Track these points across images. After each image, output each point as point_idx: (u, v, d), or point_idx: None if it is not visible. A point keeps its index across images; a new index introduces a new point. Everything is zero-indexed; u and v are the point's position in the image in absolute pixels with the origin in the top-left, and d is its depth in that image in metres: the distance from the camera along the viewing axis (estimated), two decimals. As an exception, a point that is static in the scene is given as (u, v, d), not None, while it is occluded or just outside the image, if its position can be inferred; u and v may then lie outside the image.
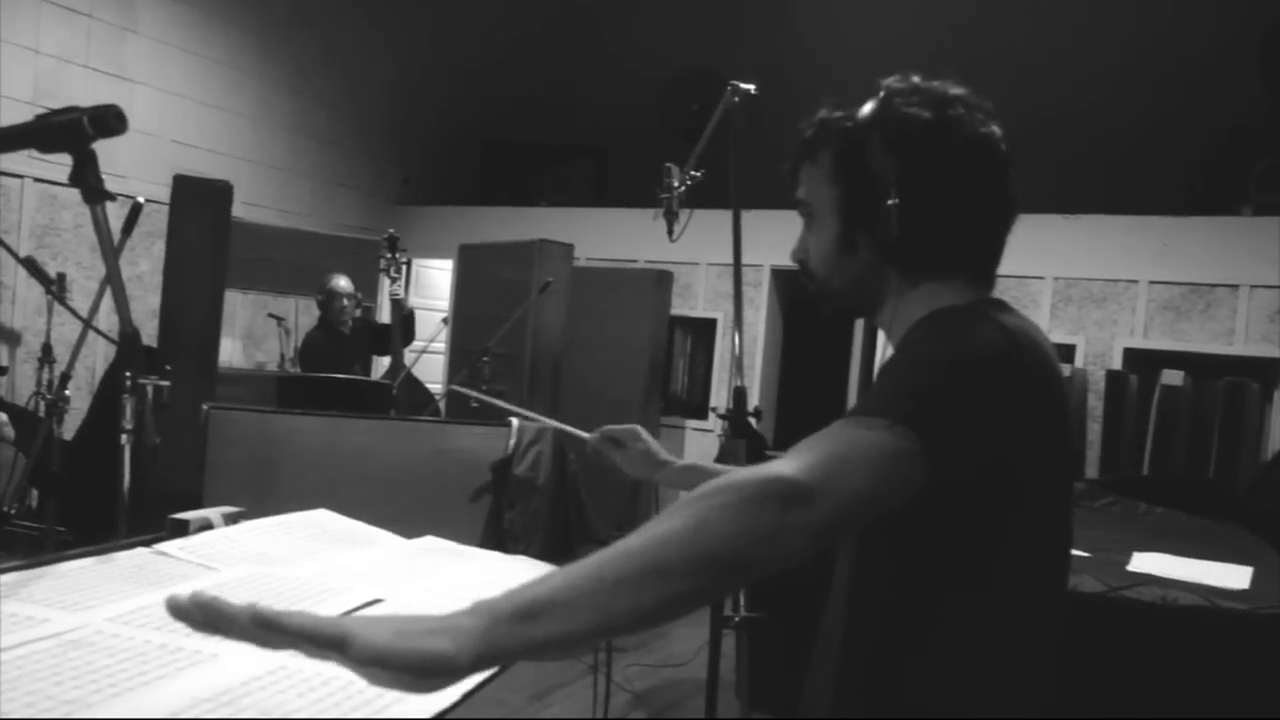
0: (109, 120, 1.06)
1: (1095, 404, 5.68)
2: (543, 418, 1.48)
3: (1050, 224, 6.01)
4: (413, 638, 0.65)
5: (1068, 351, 5.86)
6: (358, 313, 5.28)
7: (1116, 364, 5.75)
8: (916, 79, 1.05)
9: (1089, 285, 5.94)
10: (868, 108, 1.04)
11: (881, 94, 1.04)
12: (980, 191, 1.03)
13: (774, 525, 0.77)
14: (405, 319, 4.87)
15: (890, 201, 0.99)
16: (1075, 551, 2.30)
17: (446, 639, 0.66)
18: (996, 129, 1.04)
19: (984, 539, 0.96)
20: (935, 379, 0.91)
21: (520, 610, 0.69)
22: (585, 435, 1.42)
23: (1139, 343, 5.76)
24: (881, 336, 1.15)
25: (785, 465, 0.81)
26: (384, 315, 6.37)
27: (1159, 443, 5.10)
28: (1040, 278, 6.02)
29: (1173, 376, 5.13)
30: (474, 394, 1.84)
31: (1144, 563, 2.21)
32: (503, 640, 0.68)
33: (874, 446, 0.84)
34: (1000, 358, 0.94)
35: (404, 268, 4.80)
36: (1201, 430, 5.08)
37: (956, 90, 1.04)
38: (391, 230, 4.96)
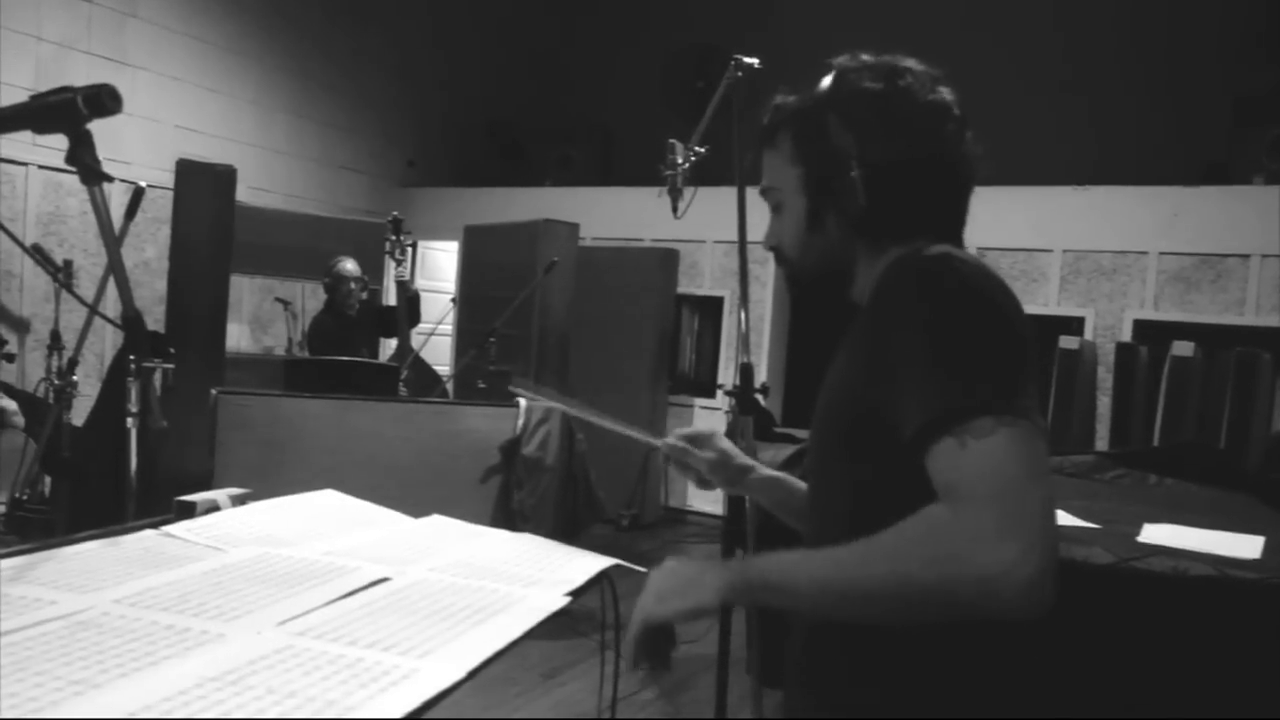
0: (103, 99, 1.05)
1: (1105, 376, 5.66)
2: (625, 428, 1.38)
3: (1059, 195, 5.97)
4: (671, 600, 0.95)
5: (1077, 324, 5.83)
6: (364, 296, 5.28)
7: (1126, 336, 5.72)
8: (866, 56, 1.08)
9: (1098, 257, 5.90)
10: (821, 86, 1.07)
11: (833, 72, 1.07)
12: (937, 156, 1.04)
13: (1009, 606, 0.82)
14: (410, 301, 4.87)
15: (852, 174, 1.02)
16: (1085, 523, 2.29)
17: (699, 593, 0.93)
18: (947, 94, 1.06)
19: None
20: (996, 345, 0.90)
21: (767, 583, 0.91)
22: (657, 441, 1.33)
23: (1149, 314, 5.73)
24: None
25: (998, 547, 0.81)
26: (390, 298, 6.36)
27: (1169, 415, 5.08)
28: (1049, 250, 5.98)
29: (1183, 348, 5.10)
30: (567, 407, 1.77)
31: (1155, 534, 2.20)
32: (739, 598, 0.92)
33: (1038, 455, 0.86)
34: (1006, 295, 0.95)
35: (409, 250, 4.79)
36: (1212, 401, 5.05)
37: (906, 62, 1.06)
38: (396, 213, 4.95)
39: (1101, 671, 1.91)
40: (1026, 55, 6.66)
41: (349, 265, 5.11)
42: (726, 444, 1.33)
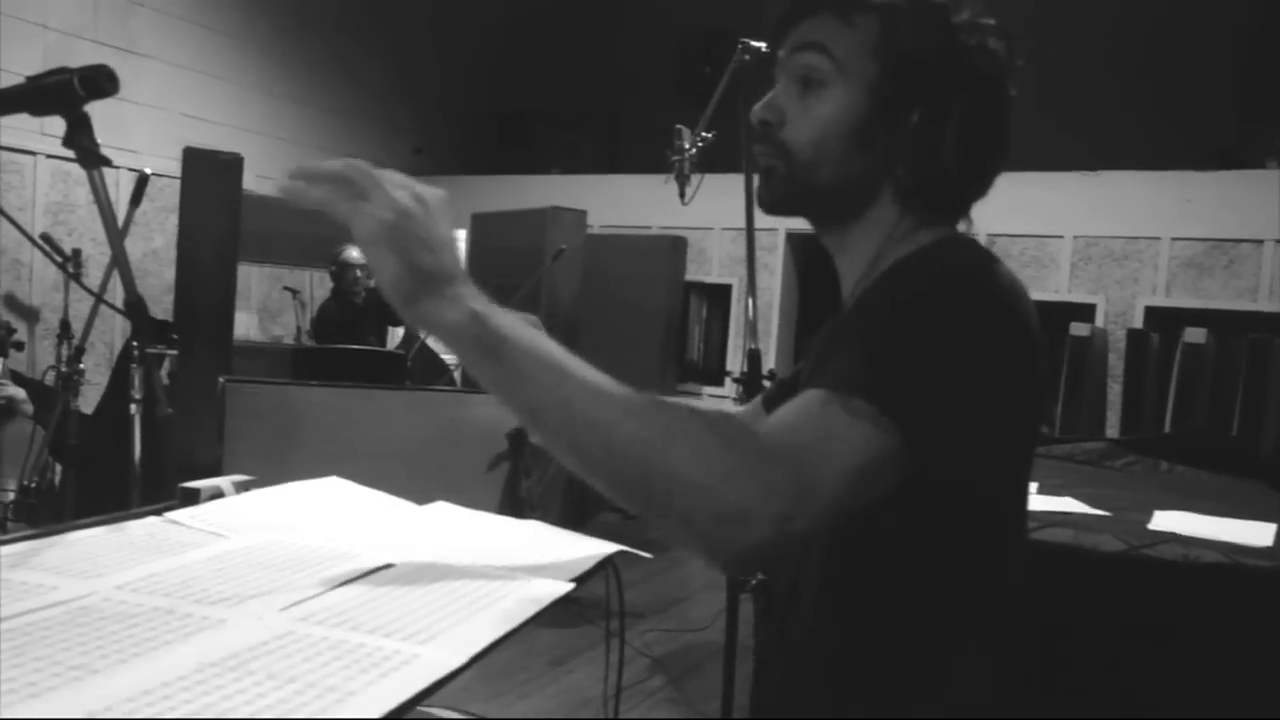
0: (100, 80, 1.04)
1: (1116, 363, 5.63)
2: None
3: (1069, 181, 5.92)
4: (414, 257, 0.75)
5: (1088, 311, 5.80)
6: (370, 283, 5.28)
7: (1138, 323, 5.69)
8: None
9: (1110, 243, 5.86)
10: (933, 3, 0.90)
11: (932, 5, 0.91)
12: (1002, 133, 0.93)
13: (753, 513, 0.71)
14: None
15: (946, 128, 0.88)
16: (1095, 510, 2.28)
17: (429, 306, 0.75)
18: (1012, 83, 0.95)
19: (958, 526, 0.89)
20: (926, 356, 0.80)
21: (505, 358, 0.74)
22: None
23: (1161, 301, 5.69)
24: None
25: (778, 471, 0.73)
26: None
27: (1181, 401, 5.05)
28: (1059, 236, 5.94)
29: (1195, 334, 5.07)
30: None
31: (1166, 521, 2.19)
32: (461, 337, 0.74)
33: (861, 445, 0.76)
34: (979, 320, 0.83)
35: None
36: (1224, 388, 5.02)
37: (986, 19, 0.93)
38: None
39: (1111, 659, 1.90)
40: (1036, 39, 6.61)
41: (354, 252, 5.11)
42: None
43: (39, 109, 1.05)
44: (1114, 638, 1.90)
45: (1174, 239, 5.67)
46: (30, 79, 1.07)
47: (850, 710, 0.92)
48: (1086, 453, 3.18)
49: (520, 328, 0.75)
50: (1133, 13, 6.63)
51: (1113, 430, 5.45)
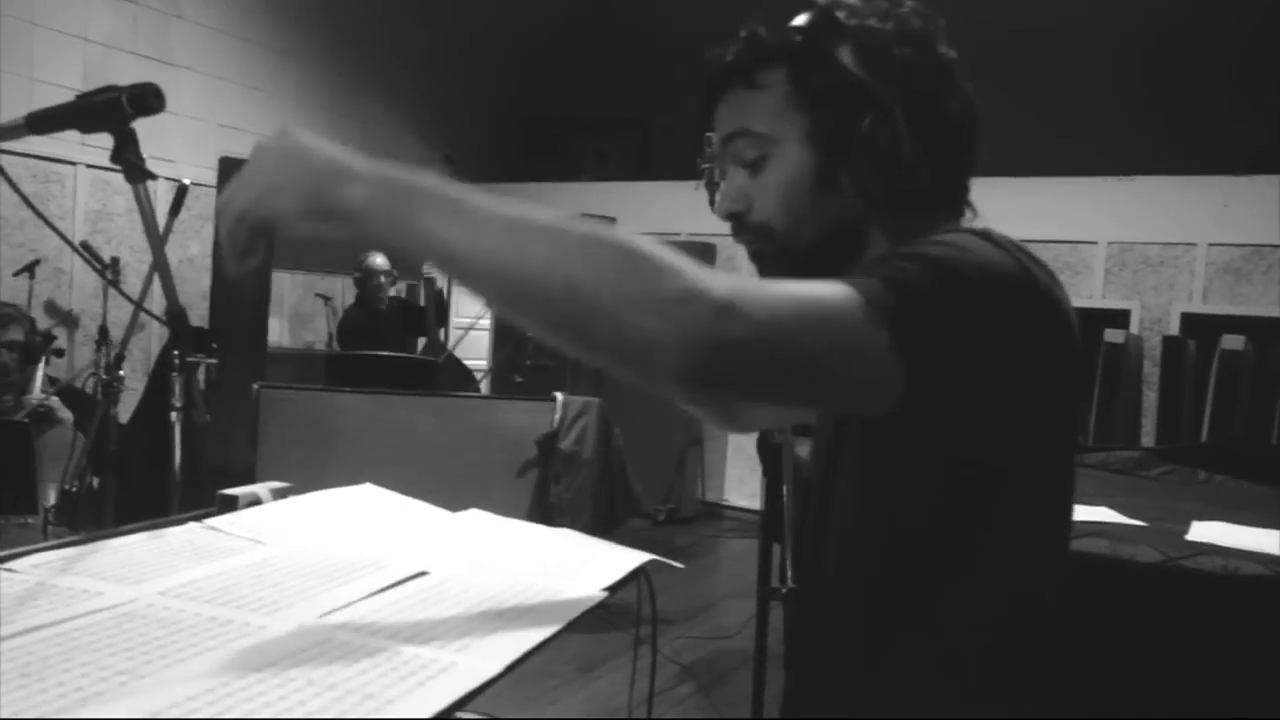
0: (147, 98, 1.07)
1: (1151, 371, 5.55)
2: None
3: (1103, 186, 5.86)
4: (286, 195, 0.75)
5: (1123, 318, 5.73)
6: (394, 289, 5.34)
7: (1174, 330, 5.60)
8: None
9: (1144, 249, 5.78)
10: (812, 20, 0.88)
11: (819, 8, 0.89)
12: (963, 109, 0.90)
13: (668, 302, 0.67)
14: (437, 297, 4.92)
15: (896, 124, 0.85)
16: (1132, 521, 2.25)
17: (330, 191, 0.75)
18: (950, 50, 0.91)
19: (980, 497, 0.86)
20: (928, 276, 0.77)
21: (415, 188, 0.73)
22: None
23: (1197, 307, 5.61)
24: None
25: (725, 276, 0.70)
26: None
27: (1219, 410, 4.97)
28: (1093, 242, 5.87)
29: (1233, 341, 4.99)
30: None
31: (1204, 532, 2.16)
32: (374, 210, 0.73)
33: (834, 309, 0.73)
34: (1008, 276, 0.81)
35: None
36: (1264, 396, 4.94)
37: (906, 4, 0.90)
38: None
39: (1150, 673, 1.87)
40: (1069, 44, 6.54)
41: (378, 259, 5.17)
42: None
43: (88, 126, 1.08)
44: (1151, 651, 1.87)
45: (1210, 244, 5.59)
46: (80, 97, 1.10)
47: (873, 705, 0.91)
48: (1121, 461, 3.13)
49: (428, 177, 0.74)
50: (1166, 14, 6.55)
51: (1148, 439, 5.38)
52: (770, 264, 0.95)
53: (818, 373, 0.74)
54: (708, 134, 0.99)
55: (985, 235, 0.85)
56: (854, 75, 0.86)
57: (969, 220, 0.97)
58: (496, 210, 0.73)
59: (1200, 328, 5.47)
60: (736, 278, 0.72)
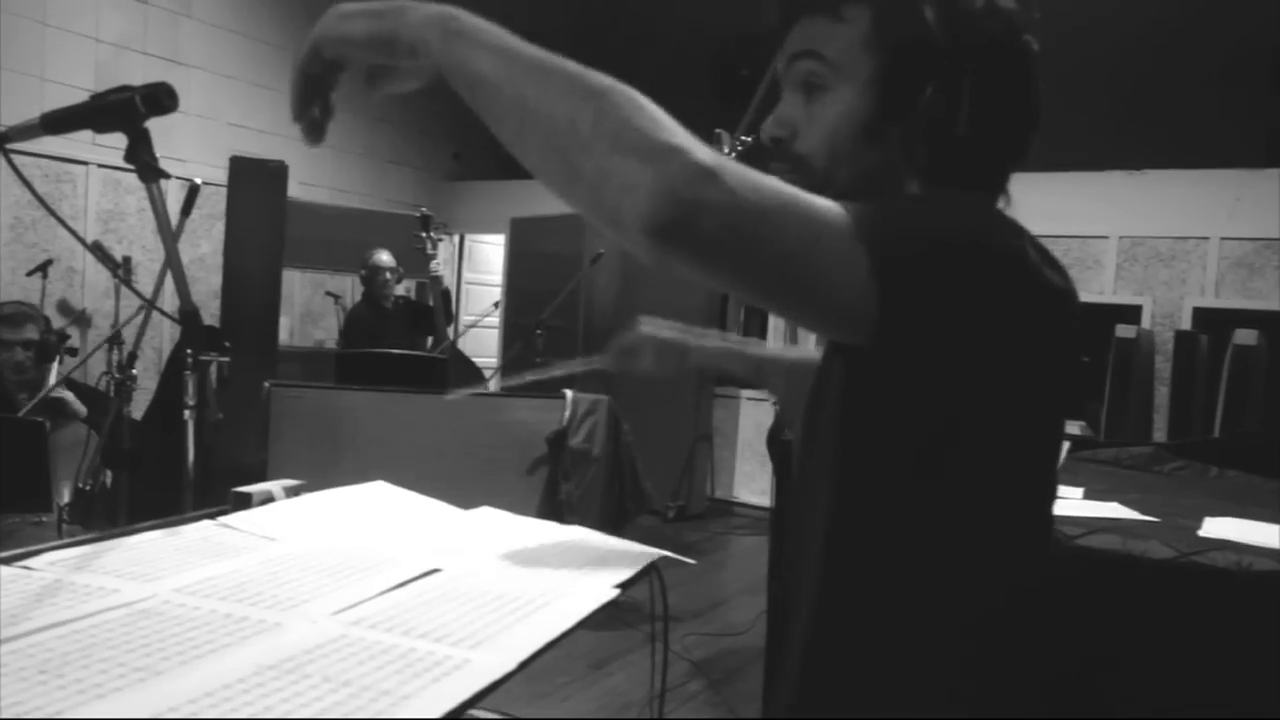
0: (160, 98, 1.07)
1: (1163, 366, 5.53)
2: (564, 368, 1.39)
3: (1114, 180, 5.83)
4: (356, 20, 0.83)
5: (1134, 312, 5.71)
6: (400, 287, 5.34)
7: (1186, 324, 5.58)
8: None
9: (1156, 243, 5.76)
10: None
11: None
12: (1029, 102, 0.90)
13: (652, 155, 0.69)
14: (444, 296, 4.92)
15: (960, 96, 0.84)
16: (1143, 517, 2.24)
17: (394, 18, 0.81)
18: (1033, 40, 0.91)
19: (959, 472, 0.84)
20: (921, 218, 0.78)
21: (464, 27, 0.80)
22: (601, 365, 1.31)
23: (1209, 302, 5.58)
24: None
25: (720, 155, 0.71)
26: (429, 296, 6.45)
27: (1231, 405, 4.95)
28: (1104, 237, 5.84)
29: (1246, 336, 4.96)
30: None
31: (1217, 528, 2.15)
32: (435, 42, 0.81)
33: (817, 213, 0.73)
34: (1002, 247, 0.80)
35: (438, 244, 4.79)
36: (1276, 391, 4.91)
37: None
38: (424, 208, 4.96)
39: (1162, 670, 1.87)
40: (1079, 36, 6.51)
41: (384, 256, 5.17)
42: (657, 332, 1.28)
43: (102, 125, 1.08)
44: (1163, 648, 1.87)
45: (1223, 238, 5.56)
46: (94, 97, 1.10)
47: (852, 697, 0.90)
48: (1133, 457, 3.12)
49: (493, 42, 0.80)
50: (1178, 7, 6.51)
51: (1160, 434, 5.36)
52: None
53: (788, 265, 0.74)
54: (716, 130, 0.99)
55: (989, 210, 0.86)
56: (935, 36, 0.85)
57: (1001, 205, 0.96)
58: (528, 51, 0.79)
59: (1212, 322, 5.44)
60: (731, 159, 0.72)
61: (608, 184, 0.71)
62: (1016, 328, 0.81)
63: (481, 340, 8.09)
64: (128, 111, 1.07)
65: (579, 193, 0.75)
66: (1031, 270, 0.82)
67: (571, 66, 0.77)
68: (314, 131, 0.90)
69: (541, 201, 7.26)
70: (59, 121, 1.12)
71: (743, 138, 2.63)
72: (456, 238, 8.26)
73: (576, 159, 0.73)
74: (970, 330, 0.79)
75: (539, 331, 5.05)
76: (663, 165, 0.69)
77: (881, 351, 0.78)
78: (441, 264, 4.92)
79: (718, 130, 2.61)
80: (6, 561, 0.92)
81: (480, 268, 8.55)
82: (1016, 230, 0.85)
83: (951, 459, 0.85)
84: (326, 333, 6.98)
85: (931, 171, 0.88)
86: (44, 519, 2.79)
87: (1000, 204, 0.95)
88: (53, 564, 0.93)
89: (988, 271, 0.79)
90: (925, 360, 0.80)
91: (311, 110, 0.90)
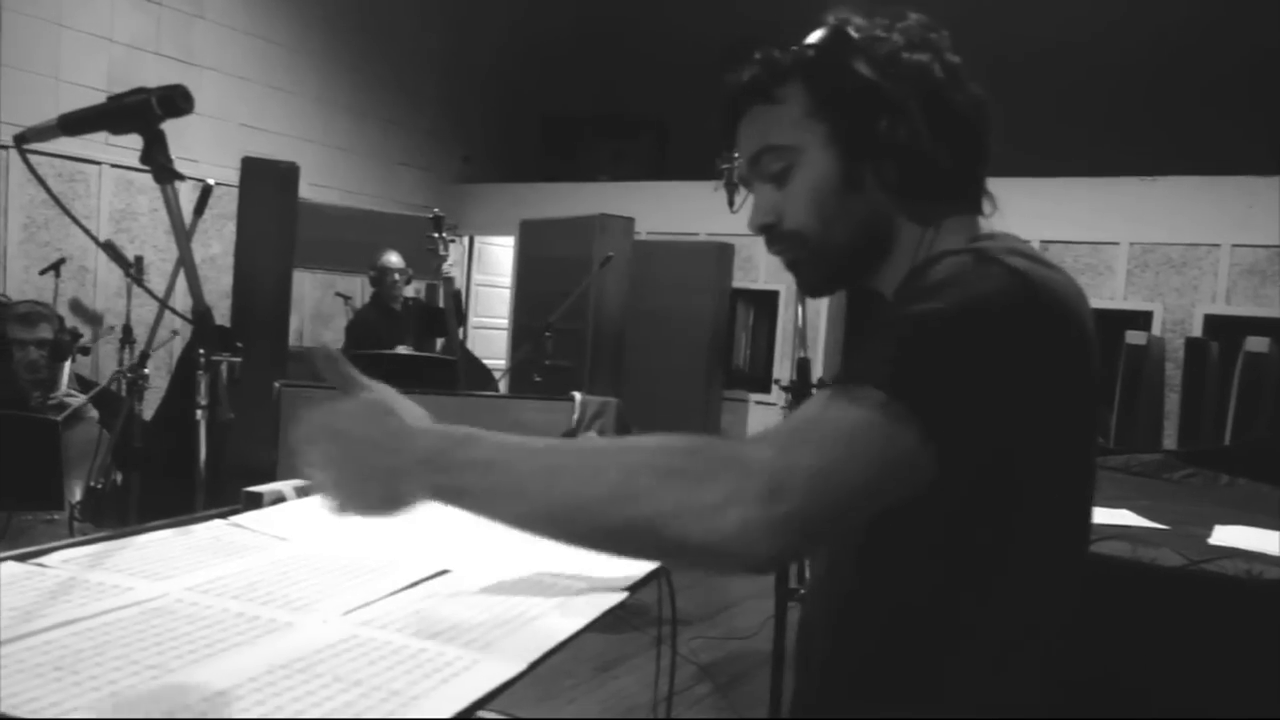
0: (176, 100, 1.08)
1: (1174, 373, 5.50)
2: None
3: (1125, 187, 5.81)
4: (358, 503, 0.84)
5: (1145, 319, 5.68)
6: (409, 288, 5.35)
7: (1197, 331, 5.55)
8: (855, 15, 0.94)
9: (1167, 250, 5.73)
10: (824, 34, 0.92)
11: (832, 20, 0.93)
12: (974, 108, 0.93)
13: (731, 519, 0.69)
14: (455, 297, 4.91)
15: (913, 119, 0.88)
16: (1153, 524, 2.23)
17: (391, 500, 0.82)
18: (954, 56, 0.94)
19: (999, 523, 0.86)
20: (938, 341, 0.78)
21: (469, 494, 0.79)
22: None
23: (1220, 309, 5.56)
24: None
25: (758, 450, 0.71)
26: (440, 297, 6.46)
27: (1242, 412, 4.92)
28: (1115, 243, 5.82)
29: (1257, 343, 4.94)
30: None
31: (1227, 535, 2.14)
32: (438, 482, 0.80)
33: (867, 428, 0.73)
34: (1013, 308, 0.80)
35: (450, 245, 4.80)
36: (1288, 399, 4.89)
37: (909, 16, 0.94)
38: (437, 209, 4.96)
39: (1172, 678, 1.86)
40: (1091, 43, 6.50)
41: (393, 257, 5.19)
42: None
43: (118, 127, 1.09)
44: (1173, 656, 1.86)
45: (1234, 245, 5.54)
46: (111, 99, 1.11)
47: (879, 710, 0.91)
48: (1143, 464, 3.11)
49: (469, 472, 0.79)
50: (1189, 14, 6.49)
51: (1170, 441, 5.33)
52: (806, 270, 0.97)
53: (870, 494, 0.75)
54: (733, 154, 1.01)
55: (980, 257, 0.85)
56: (868, 78, 0.89)
57: (988, 211, 0.98)
58: (530, 466, 0.77)
59: (1223, 329, 5.42)
60: (770, 440, 0.73)
61: (705, 556, 0.72)
62: (1049, 377, 0.82)
63: (491, 341, 8.12)
64: (144, 113, 1.08)
65: (680, 564, 0.77)
66: (1047, 309, 0.83)
67: (577, 460, 0.77)
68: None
69: (551, 204, 7.28)
70: (77, 123, 1.13)
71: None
72: (466, 240, 8.28)
73: (657, 549, 0.76)
74: (1012, 406, 0.79)
75: (547, 334, 5.06)
76: (737, 519, 0.69)
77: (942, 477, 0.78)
78: (453, 265, 4.93)
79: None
80: (21, 559, 0.93)
81: (490, 270, 8.57)
82: (1013, 262, 0.84)
83: (992, 501, 0.86)
84: (336, 333, 7.00)
85: (913, 194, 0.92)
86: (56, 517, 2.81)
87: (986, 209, 0.97)
88: (66, 562, 0.94)
89: (1010, 345, 0.80)
90: (979, 457, 0.80)
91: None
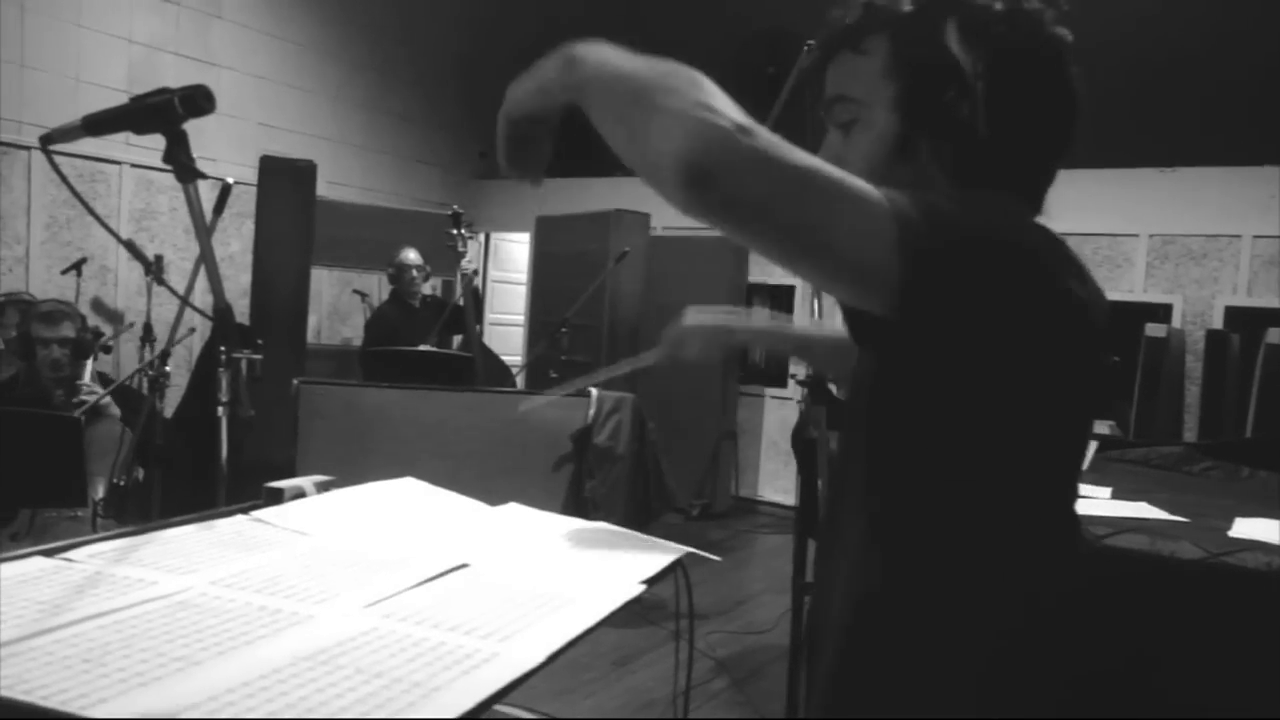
0: (198, 100, 1.10)
1: (1194, 365, 5.45)
2: (623, 366, 1.45)
3: (1145, 178, 5.76)
4: (518, 87, 0.95)
5: (1165, 311, 5.64)
6: (427, 286, 5.37)
7: (1217, 324, 5.50)
8: None
9: (1187, 242, 5.68)
10: None
11: None
12: (1059, 98, 0.92)
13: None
14: (473, 294, 4.93)
15: (975, 100, 0.88)
16: (1173, 517, 2.22)
17: (540, 73, 0.92)
18: (1068, 33, 0.93)
19: (984, 490, 0.88)
20: (951, 211, 0.81)
21: (594, 77, 0.87)
22: (651, 360, 1.37)
23: (1241, 301, 5.50)
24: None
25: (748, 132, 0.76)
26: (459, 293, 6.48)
27: (1263, 405, 4.88)
28: (1134, 235, 5.78)
29: (1278, 335, 4.89)
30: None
31: (1247, 528, 2.12)
32: (571, 78, 0.88)
33: (853, 187, 0.78)
34: (1027, 252, 0.84)
35: (468, 242, 4.81)
36: (1310, 391, 4.84)
37: None
38: (456, 206, 4.98)
39: (1191, 671, 1.85)
40: (1109, 33, 6.44)
41: (411, 254, 5.21)
42: (701, 320, 1.32)
43: (142, 127, 1.11)
44: (1193, 649, 1.85)
45: (1256, 236, 5.48)
46: (133, 99, 1.13)
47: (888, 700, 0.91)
48: (1163, 457, 3.09)
49: (596, 59, 0.88)
50: (1210, 5, 6.42)
51: (1190, 434, 5.29)
52: None
53: (815, 221, 0.77)
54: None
55: (1018, 214, 0.89)
56: (946, 48, 0.89)
57: (1044, 211, 0.98)
58: (622, 60, 0.86)
59: (1245, 321, 5.36)
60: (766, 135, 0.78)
61: (652, 137, 0.78)
62: (1030, 326, 0.84)
63: (507, 337, 8.14)
64: (167, 114, 1.10)
65: (633, 152, 0.81)
66: (1050, 275, 0.85)
67: (653, 62, 0.84)
68: (534, 175, 1.04)
69: (567, 200, 7.29)
70: (100, 123, 1.14)
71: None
72: (483, 236, 8.31)
73: (636, 122, 0.80)
74: (984, 321, 0.82)
75: (564, 330, 5.07)
76: (699, 115, 0.75)
77: (899, 337, 0.82)
78: (471, 262, 4.94)
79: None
80: (49, 554, 0.95)
81: (506, 266, 8.59)
82: (1046, 237, 0.88)
83: (971, 453, 0.88)
84: (354, 330, 7.04)
85: (965, 177, 0.91)
86: (79, 513, 2.84)
87: (1036, 207, 0.97)
88: (93, 557, 0.96)
89: (1004, 268, 0.82)
90: (942, 347, 0.83)
91: (525, 160, 1.02)
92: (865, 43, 0.93)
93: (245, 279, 5.52)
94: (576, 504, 3.98)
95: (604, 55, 0.87)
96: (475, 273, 4.99)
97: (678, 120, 0.75)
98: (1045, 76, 0.91)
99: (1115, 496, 2.47)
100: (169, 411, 4.20)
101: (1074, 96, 0.94)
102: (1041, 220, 0.97)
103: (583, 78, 0.87)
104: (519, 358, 7.04)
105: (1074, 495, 0.97)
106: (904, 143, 0.92)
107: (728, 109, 0.76)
